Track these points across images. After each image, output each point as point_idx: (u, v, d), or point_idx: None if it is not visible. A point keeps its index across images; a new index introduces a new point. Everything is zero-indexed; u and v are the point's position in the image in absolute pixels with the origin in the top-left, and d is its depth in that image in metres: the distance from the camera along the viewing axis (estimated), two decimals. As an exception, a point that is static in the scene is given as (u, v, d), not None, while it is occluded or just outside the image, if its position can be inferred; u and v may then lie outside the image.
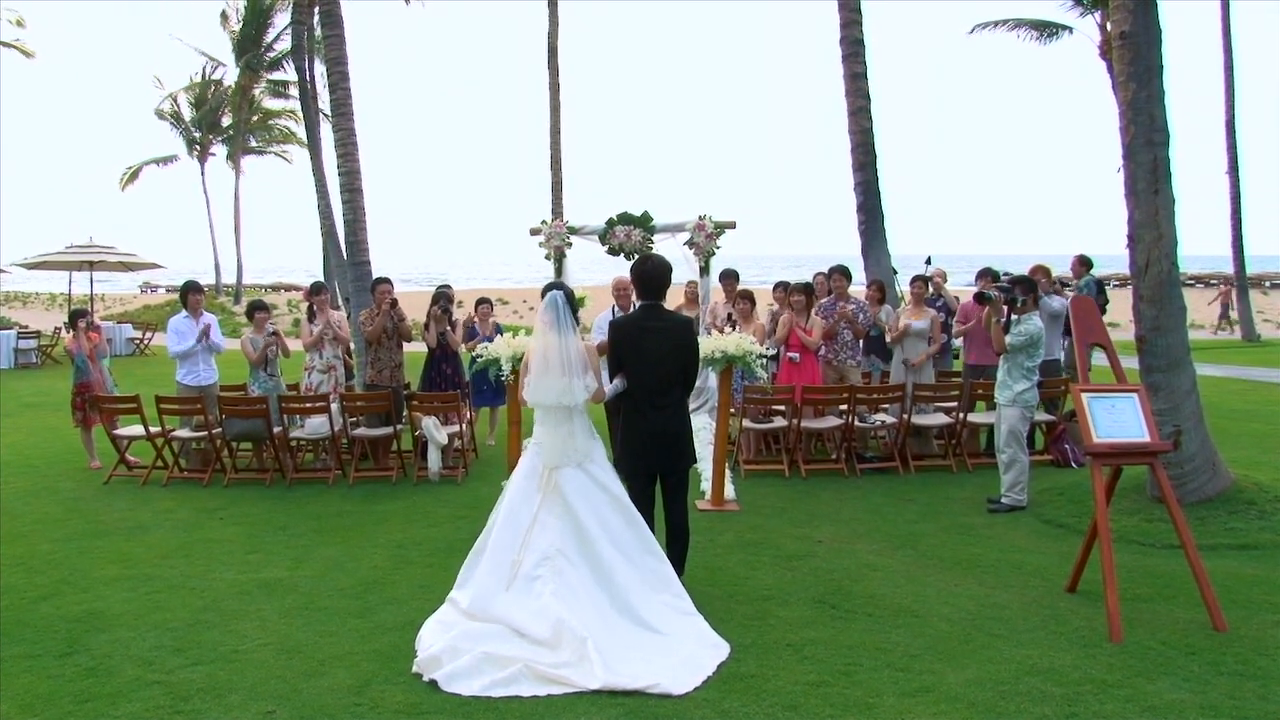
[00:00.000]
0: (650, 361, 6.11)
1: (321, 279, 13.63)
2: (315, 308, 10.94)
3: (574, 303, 6.08)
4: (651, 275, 6.26)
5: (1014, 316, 8.68)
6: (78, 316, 11.59)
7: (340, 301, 15.54)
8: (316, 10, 18.31)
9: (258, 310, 10.90)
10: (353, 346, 11.57)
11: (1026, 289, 8.75)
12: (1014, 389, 8.57)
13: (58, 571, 7.10)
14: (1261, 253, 38.99)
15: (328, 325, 10.73)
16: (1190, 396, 8.20)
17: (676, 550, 6.23)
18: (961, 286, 28.40)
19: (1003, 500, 8.62)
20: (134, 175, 47.65)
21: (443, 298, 11.03)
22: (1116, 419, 6.03)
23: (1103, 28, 24.50)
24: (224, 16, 36.76)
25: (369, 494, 9.53)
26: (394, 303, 10.52)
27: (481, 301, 12.06)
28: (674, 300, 8.37)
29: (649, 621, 5.50)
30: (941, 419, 10.40)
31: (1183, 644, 5.33)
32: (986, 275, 10.93)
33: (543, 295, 6.05)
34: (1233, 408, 13.82)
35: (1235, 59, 25.06)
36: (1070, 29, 26.50)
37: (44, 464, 11.19)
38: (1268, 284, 57.05)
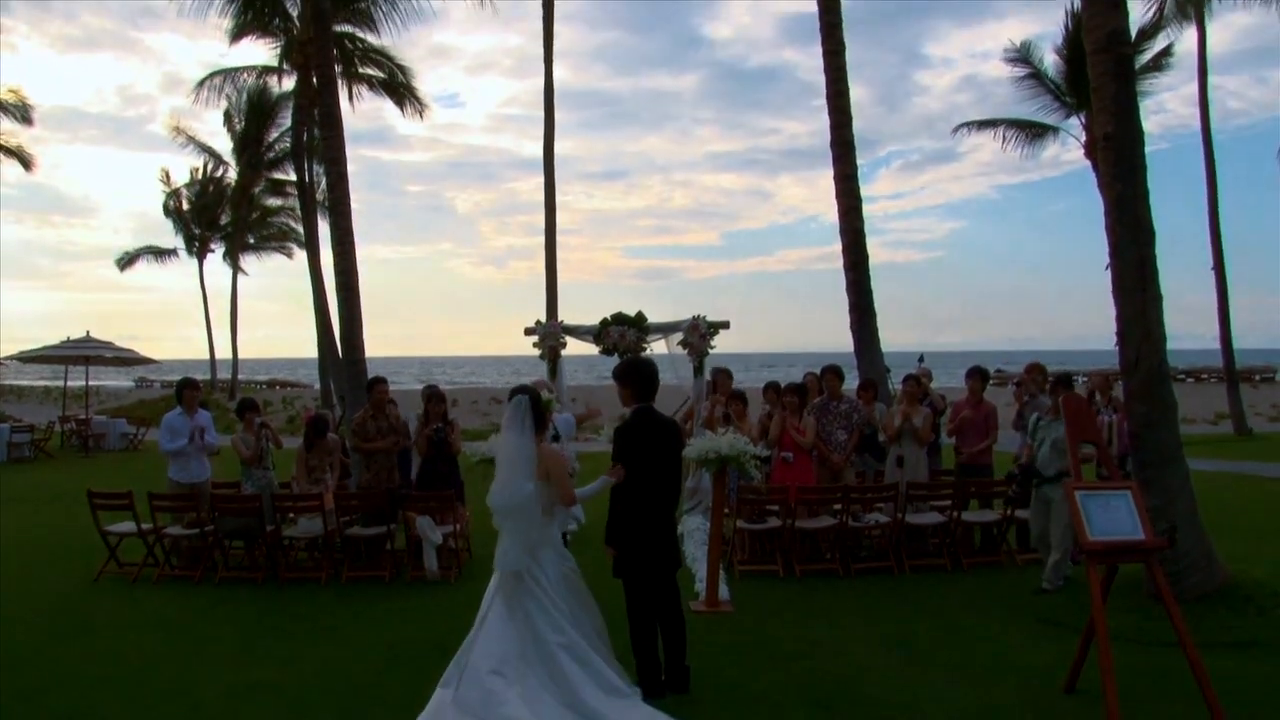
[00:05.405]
0: (659, 464, 6.29)
1: (326, 411, 13.67)
2: (314, 442, 10.82)
3: (539, 407, 6.21)
4: (651, 377, 6.48)
5: (1041, 421, 9.15)
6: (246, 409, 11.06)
7: (335, 400, 15.59)
8: (316, 111, 18.73)
9: (247, 410, 10.93)
10: (347, 445, 11.55)
11: (1059, 386, 9.15)
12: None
13: (44, 670, 7.01)
14: (1249, 346, 39.23)
15: (323, 461, 10.66)
16: (1184, 492, 8.23)
17: (681, 644, 6.40)
18: (950, 385, 28.49)
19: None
20: (130, 260, 48.03)
21: (434, 398, 11.01)
22: (1111, 517, 6.05)
23: (1088, 128, 24.97)
24: (227, 117, 37.39)
25: (362, 594, 9.44)
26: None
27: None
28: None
29: None
30: (936, 518, 10.37)
31: (1183, 747, 5.28)
32: (976, 374, 11.03)
33: (510, 398, 6.19)
34: (1226, 502, 13.80)
35: (1216, 154, 25.62)
36: (1056, 130, 27.07)
37: (34, 559, 11.09)
38: (1258, 377, 57.38)
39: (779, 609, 8.65)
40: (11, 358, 27.89)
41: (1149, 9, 24.12)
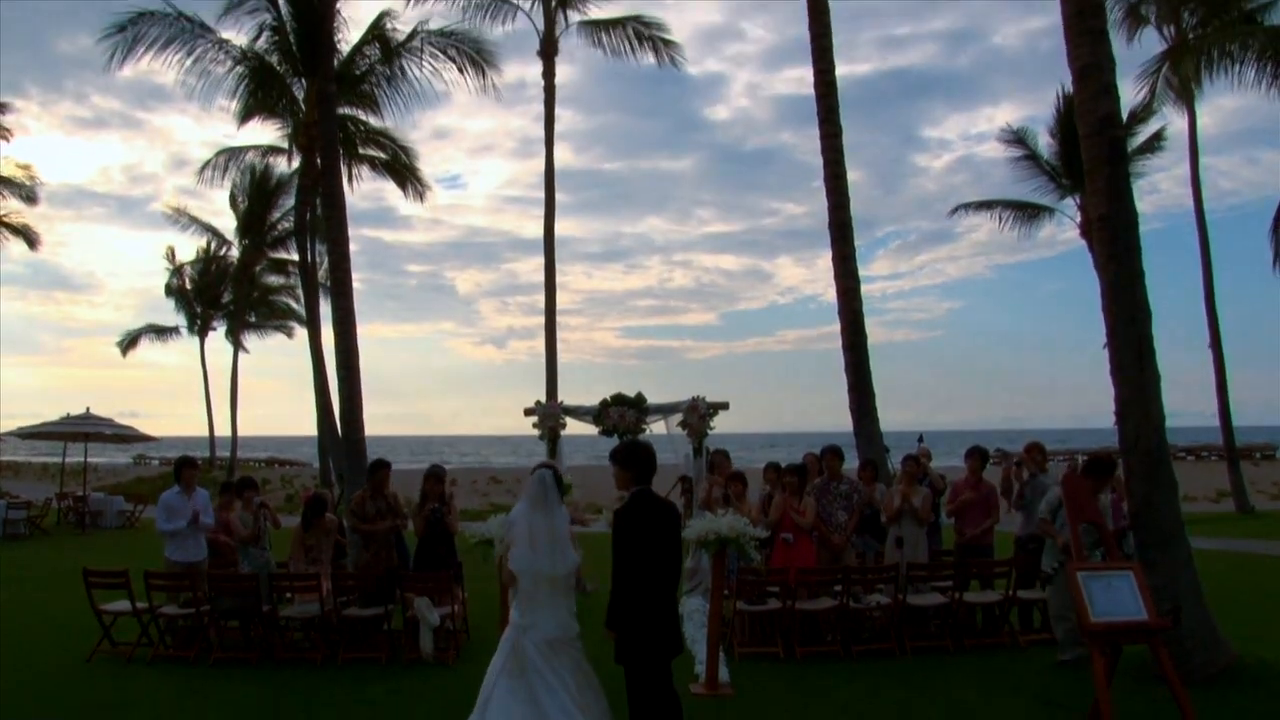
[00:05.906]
0: (659, 547, 6.23)
1: (324, 490, 13.64)
2: (312, 521, 10.78)
3: (561, 484, 6.31)
4: (649, 460, 6.44)
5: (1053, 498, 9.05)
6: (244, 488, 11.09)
7: (334, 479, 15.56)
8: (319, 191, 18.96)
9: (246, 488, 10.93)
10: (344, 524, 11.50)
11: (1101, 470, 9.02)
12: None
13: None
14: (1248, 422, 39.18)
15: (320, 541, 10.61)
16: (1186, 571, 8.19)
17: None
18: (949, 465, 28.46)
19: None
20: (133, 341, 48.24)
21: (431, 478, 10.96)
22: (1113, 597, 6.04)
23: (1083, 209, 25.20)
24: (233, 198, 37.85)
25: (358, 675, 9.33)
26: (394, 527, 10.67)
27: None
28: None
29: None
30: (937, 599, 10.29)
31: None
32: (975, 454, 11.05)
33: (532, 473, 6.26)
34: (1230, 581, 13.68)
35: (1210, 232, 25.92)
36: (1051, 210, 27.39)
37: (28, 638, 10.98)
38: (1258, 455, 57.32)
39: (780, 691, 8.55)
40: (11, 433, 27.90)
41: (1140, 90, 24.61)
